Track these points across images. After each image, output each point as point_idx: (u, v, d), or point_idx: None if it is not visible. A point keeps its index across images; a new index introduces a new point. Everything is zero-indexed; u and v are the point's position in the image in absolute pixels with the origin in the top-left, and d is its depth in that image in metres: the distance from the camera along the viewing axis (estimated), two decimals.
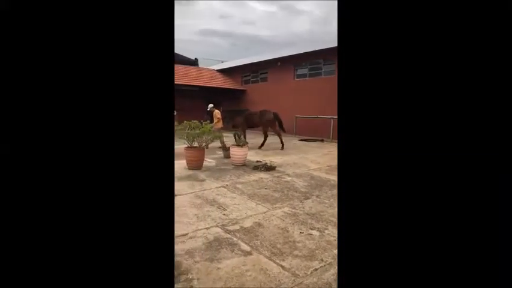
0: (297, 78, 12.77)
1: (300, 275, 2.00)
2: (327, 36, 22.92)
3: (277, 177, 4.89)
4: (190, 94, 13.91)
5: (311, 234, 2.66)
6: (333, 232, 2.71)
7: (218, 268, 2.05)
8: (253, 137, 9.42)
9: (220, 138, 8.11)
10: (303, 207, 3.40)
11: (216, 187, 4.19)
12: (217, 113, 8.38)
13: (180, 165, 5.66)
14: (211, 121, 7.60)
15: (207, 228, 2.74)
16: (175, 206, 3.32)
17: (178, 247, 2.34)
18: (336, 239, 2.53)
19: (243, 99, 15.23)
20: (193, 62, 19.48)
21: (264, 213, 3.20)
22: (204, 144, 5.47)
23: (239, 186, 4.28)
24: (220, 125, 8.30)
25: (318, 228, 2.81)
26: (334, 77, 10.52)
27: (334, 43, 9.29)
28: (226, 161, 6.19)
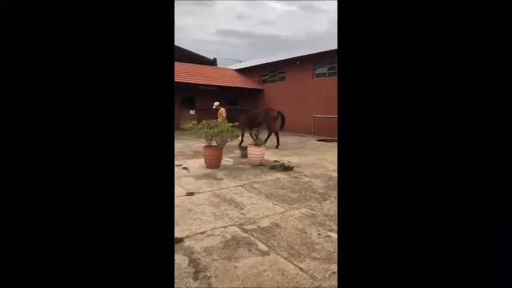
0: (316, 77, 12.61)
1: (318, 277, 1.97)
2: None
3: (295, 177, 4.85)
4: (209, 94, 14.08)
5: (329, 236, 2.61)
6: None
7: (236, 267, 2.06)
8: (271, 137, 9.39)
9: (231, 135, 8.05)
10: (321, 209, 3.35)
11: (234, 186, 4.22)
12: (222, 111, 8.15)
13: (198, 163, 5.75)
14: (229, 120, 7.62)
15: (225, 227, 2.76)
16: (194, 204, 3.38)
17: (197, 244, 2.37)
18: None
19: (260, 99, 15.25)
20: (212, 62, 19.72)
21: (282, 213, 3.18)
22: (221, 143, 5.50)
23: (256, 185, 4.29)
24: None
25: (337, 230, 2.76)
26: None
27: None
28: (243, 160, 6.22)
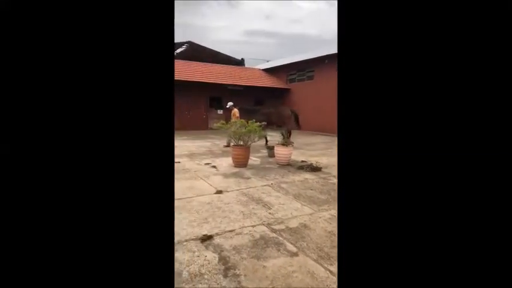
0: None
1: None
2: None
3: (323, 178, 4.76)
4: (237, 93, 14.25)
5: None
6: None
7: (264, 266, 2.06)
8: (299, 137, 9.28)
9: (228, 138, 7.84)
10: None
11: (261, 185, 4.23)
12: (235, 111, 8.01)
13: (226, 162, 5.85)
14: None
15: (253, 226, 2.77)
16: (223, 202, 3.44)
17: (227, 242, 2.41)
18: None
19: (287, 98, 15.13)
20: (240, 62, 19.92)
21: (310, 214, 3.13)
22: (249, 142, 5.55)
23: (284, 185, 4.26)
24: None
25: None
26: None
27: None
28: (270, 159, 6.21)
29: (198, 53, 17.62)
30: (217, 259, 2.14)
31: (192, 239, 2.45)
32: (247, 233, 2.60)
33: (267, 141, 8.14)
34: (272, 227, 2.78)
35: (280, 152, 5.78)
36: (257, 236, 2.56)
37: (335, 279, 1.94)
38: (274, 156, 6.06)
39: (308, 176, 4.88)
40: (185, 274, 1.95)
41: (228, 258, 2.15)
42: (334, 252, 2.29)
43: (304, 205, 3.43)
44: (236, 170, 5.20)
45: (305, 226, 2.81)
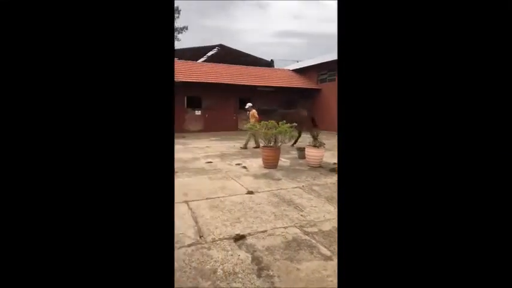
0: None
1: None
2: None
3: None
4: (267, 94, 14.30)
5: None
6: None
7: (298, 269, 2.04)
8: (329, 138, 9.08)
9: (246, 140, 7.89)
10: None
11: (292, 187, 4.20)
12: (254, 113, 7.95)
13: (256, 163, 5.88)
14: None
15: (285, 228, 2.76)
16: (254, 202, 3.47)
17: (259, 243, 2.42)
18: None
19: (317, 98, 14.86)
20: (269, 64, 19.96)
21: None
22: (279, 143, 5.53)
23: (316, 188, 4.19)
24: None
25: None
26: None
27: None
28: (301, 161, 6.14)
29: (229, 55, 18.01)
30: (250, 259, 2.16)
31: (226, 238, 2.50)
32: (279, 234, 2.60)
33: (296, 141, 8.07)
34: (304, 229, 2.74)
35: (312, 153, 5.69)
36: (289, 237, 2.54)
37: None
38: (304, 158, 5.98)
39: None
40: (220, 272, 1.99)
41: (261, 259, 2.17)
42: None
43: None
44: (266, 171, 5.21)
45: None
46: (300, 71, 16.36)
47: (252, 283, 1.88)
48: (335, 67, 14.07)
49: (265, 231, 2.67)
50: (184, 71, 12.84)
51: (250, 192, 3.86)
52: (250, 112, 8.12)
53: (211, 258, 2.16)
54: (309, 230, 2.73)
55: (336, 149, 6.65)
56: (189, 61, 15.12)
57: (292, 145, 8.19)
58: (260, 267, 2.05)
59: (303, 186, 4.27)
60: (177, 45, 20.92)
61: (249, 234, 2.59)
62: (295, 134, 6.41)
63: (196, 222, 2.83)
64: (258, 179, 4.64)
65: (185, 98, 13.11)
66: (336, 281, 1.91)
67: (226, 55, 17.95)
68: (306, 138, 7.64)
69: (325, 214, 3.14)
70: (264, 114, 8.36)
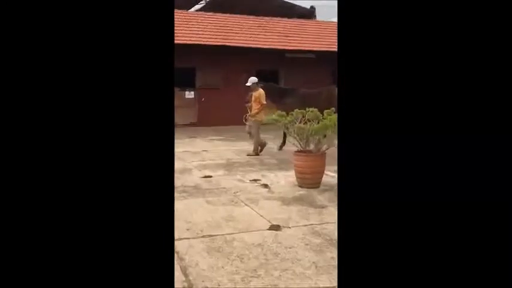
0: None
1: None
2: None
3: None
4: (303, 64, 14.23)
5: None
6: None
7: None
8: None
9: (258, 142, 7.94)
10: None
11: None
12: (260, 94, 8.00)
13: (286, 178, 5.87)
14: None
15: None
16: (282, 244, 3.44)
17: None
18: None
19: None
20: (309, 14, 19.89)
21: None
22: (325, 147, 5.47)
23: None
24: (262, 116, 7.82)
25: None
26: None
27: None
28: None
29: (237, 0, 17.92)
30: None
31: None
32: None
33: (283, 143, 8.13)
34: None
35: None
36: None
37: None
38: None
39: None
40: None
41: None
42: None
43: None
44: (302, 191, 5.20)
45: None
46: None
47: None
48: None
49: None
50: None
51: (275, 228, 3.85)
52: (255, 93, 8.09)
53: None
54: None
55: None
56: (179, 10, 15.16)
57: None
58: None
59: None
60: None
61: None
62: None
63: (186, 276, 2.84)
64: (287, 205, 4.62)
65: None
66: None
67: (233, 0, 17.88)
68: None
69: None
70: (274, 96, 8.40)
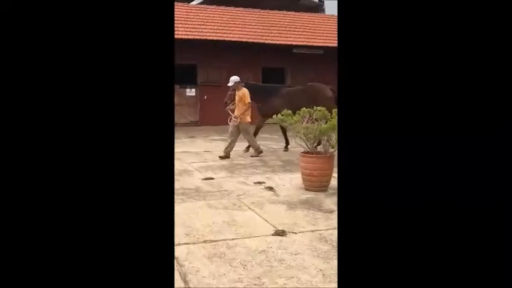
0: None
1: None
2: None
3: None
4: (310, 60, 14.21)
5: None
6: None
7: None
8: None
9: (251, 142, 8.08)
10: None
11: None
12: (244, 94, 8.02)
13: (291, 181, 5.86)
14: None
15: None
16: (287, 251, 3.42)
17: None
18: None
19: None
20: (317, 7, 19.94)
21: None
22: (333, 148, 5.41)
23: None
24: (247, 117, 7.95)
25: None
26: None
27: None
28: None
29: None
30: None
31: None
32: None
33: (256, 148, 8.22)
34: None
35: None
36: None
37: None
38: None
39: None
40: None
41: None
42: None
43: None
44: (309, 195, 5.19)
45: None
46: None
47: None
48: None
49: None
50: None
51: (280, 233, 3.81)
52: (239, 92, 8.09)
53: None
54: None
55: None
56: (179, 3, 15.16)
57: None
58: None
59: None
60: None
61: None
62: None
63: (186, 283, 2.82)
64: (293, 209, 4.61)
65: None
66: None
67: None
68: None
69: None
70: (256, 95, 8.43)
